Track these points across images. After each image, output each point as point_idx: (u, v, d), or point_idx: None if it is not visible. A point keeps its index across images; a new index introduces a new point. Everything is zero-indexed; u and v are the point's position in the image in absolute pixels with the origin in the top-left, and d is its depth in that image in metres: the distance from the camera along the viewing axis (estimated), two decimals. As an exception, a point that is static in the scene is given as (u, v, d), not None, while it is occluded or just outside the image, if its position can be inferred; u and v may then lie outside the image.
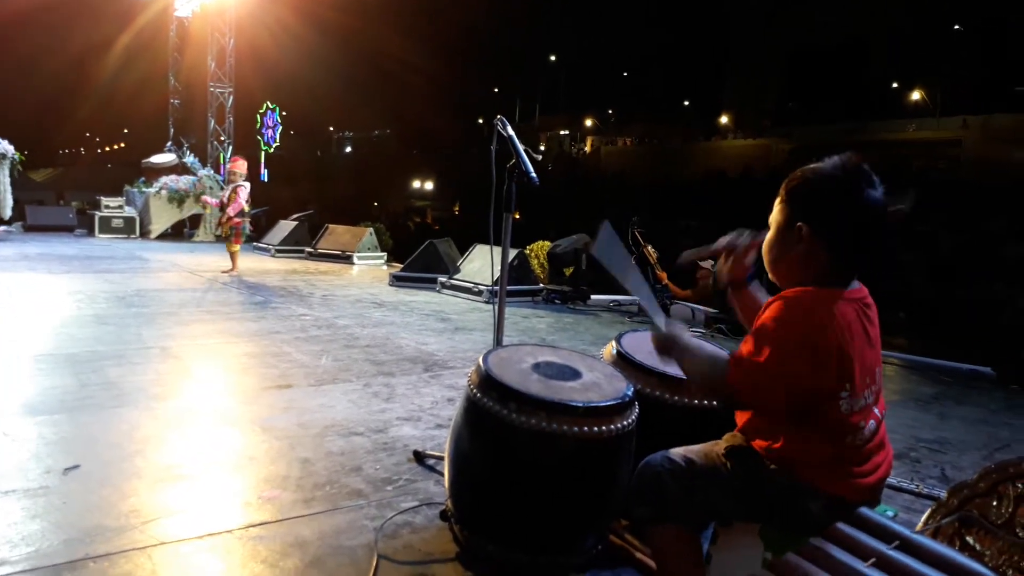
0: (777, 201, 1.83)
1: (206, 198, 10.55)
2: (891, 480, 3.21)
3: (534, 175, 2.92)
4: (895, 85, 53.54)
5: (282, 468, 3.06)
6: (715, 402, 2.36)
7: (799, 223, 1.74)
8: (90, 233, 13.91)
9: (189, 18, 16.78)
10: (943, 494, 1.81)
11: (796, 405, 1.68)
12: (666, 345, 1.90)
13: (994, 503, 1.66)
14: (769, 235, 1.85)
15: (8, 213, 13.11)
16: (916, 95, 50.94)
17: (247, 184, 9.34)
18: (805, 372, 1.63)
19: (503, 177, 3.00)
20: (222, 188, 10.06)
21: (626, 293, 8.87)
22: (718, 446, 1.89)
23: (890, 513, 2.67)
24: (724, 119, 61.03)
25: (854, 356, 1.67)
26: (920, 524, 1.84)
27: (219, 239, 10.18)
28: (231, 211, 9.14)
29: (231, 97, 16.66)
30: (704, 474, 1.84)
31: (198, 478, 2.92)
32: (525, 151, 3.08)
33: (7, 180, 12.88)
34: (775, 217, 1.82)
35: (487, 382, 2.30)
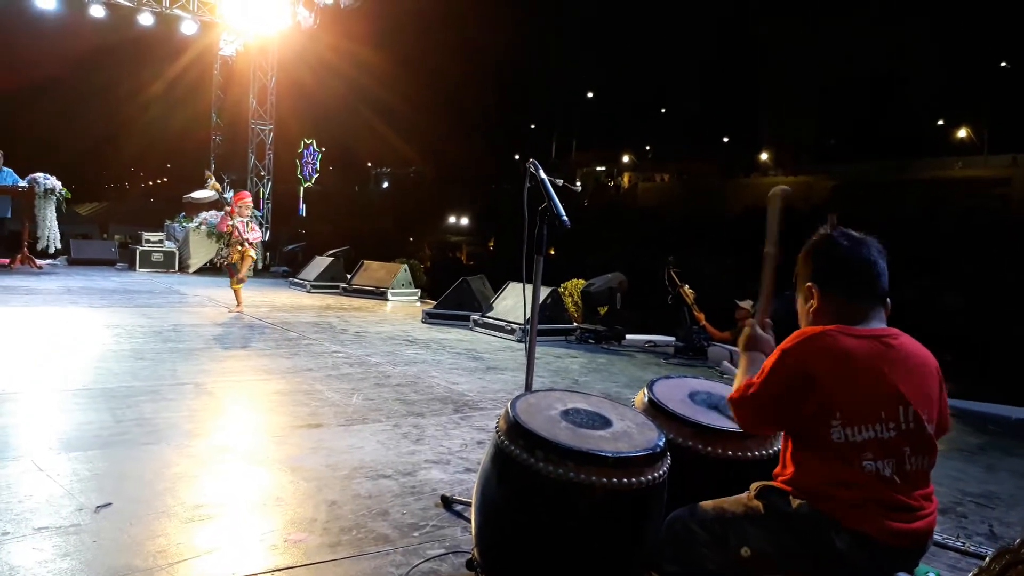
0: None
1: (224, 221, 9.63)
2: (936, 536, 3.09)
3: (565, 218, 2.92)
4: (940, 122, 52.90)
5: (309, 510, 3.04)
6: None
7: (808, 283, 1.97)
8: (131, 267, 14.17)
9: (233, 57, 17.22)
10: (990, 552, 1.74)
11: (782, 427, 1.93)
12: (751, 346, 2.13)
13: (1037, 570, 1.58)
14: (798, 303, 2.04)
15: (55, 248, 13.45)
16: (962, 132, 50.25)
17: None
18: (776, 396, 1.84)
19: (535, 219, 3.00)
20: (228, 215, 9.41)
21: (662, 334, 8.79)
22: (748, 492, 1.92)
23: (932, 575, 2.57)
24: (764, 156, 60.72)
25: (841, 387, 1.76)
26: (961, 590, 1.77)
27: (223, 267, 9.18)
28: (254, 238, 8.88)
29: (271, 134, 17.01)
30: (736, 519, 1.88)
31: (226, 518, 2.91)
32: (563, 186, 3.09)
33: (54, 215, 13.23)
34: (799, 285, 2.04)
35: (514, 429, 2.26)
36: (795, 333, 1.89)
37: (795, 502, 1.77)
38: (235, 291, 8.99)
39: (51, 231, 13.19)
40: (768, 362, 1.88)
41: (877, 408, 1.76)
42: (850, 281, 1.93)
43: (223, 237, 8.83)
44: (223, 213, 9.23)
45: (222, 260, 8.80)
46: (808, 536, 1.74)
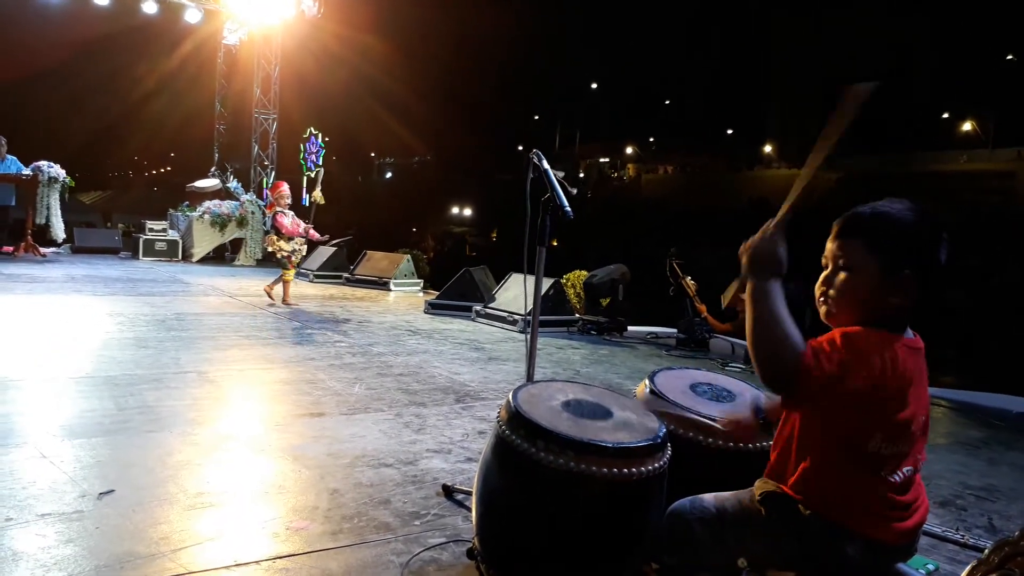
0: (838, 239, 1.75)
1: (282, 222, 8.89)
2: (936, 529, 3.10)
3: (568, 209, 2.92)
4: (945, 116, 52.69)
5: (311, 498, 3.05)
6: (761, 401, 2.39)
7: (904, 269, 1.66)
8: (134, 256, 14.19)
9: (236, 46, 17.19)
10: (990, 544, 1.74)
11: (847, 415, 1.64)
12: (763, 260, 1.75)
13: (1036, 562, 1.58)
14: (842, 277, 1.73)
15: (61, 236, 13.47)
16: (967, 126, 50.10)
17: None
18: (868, 386, 1.60)
19: (538, 210, 3.00)
20: (267, 213, 9.12)
21: (664, 325, 8.79)
22: (750, 492, 1.85)
23: (931, 567, 2.58)
24: (768, 148, 60.64)
25: (908, 399, 1.66)
26: (959, 581, 1.78)
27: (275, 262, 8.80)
28: (306, 228, 8.75)
29: (275, 123, 16.99)
30: (736, 520, 1.82)
31: (228, 506, 2.92)
32: (561, 182, 3.08)
33: (58, 204, 13.24)
34: (849, 258, 1.72)
35: (516, 419, 2.26)
36: (859, 330, 1.65)
37: (804, 511, 1.71)
38: (286, 283, 8.84)
39: (55, 219, 13.20)
40: (849, 342, 1.62)
41: (911, 422, 1.69)
42: (927, 295, 1.70)
43: (282, 235, 8.62)
44: (270, 209, 8.90)
45: (285, 255, 8.49)
46: (817, 544, 1.70)
